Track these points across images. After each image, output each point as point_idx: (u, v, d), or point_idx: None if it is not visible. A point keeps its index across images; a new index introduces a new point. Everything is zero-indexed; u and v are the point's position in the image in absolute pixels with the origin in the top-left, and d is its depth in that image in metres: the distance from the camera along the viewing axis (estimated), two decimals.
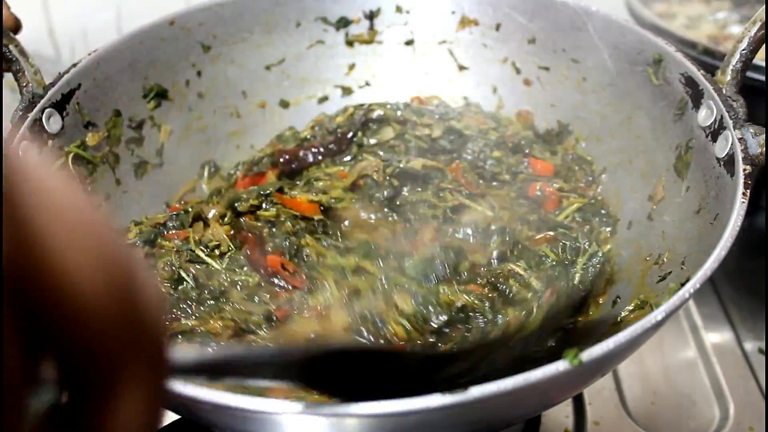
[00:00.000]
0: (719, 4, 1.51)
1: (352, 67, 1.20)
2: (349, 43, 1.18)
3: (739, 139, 0.74)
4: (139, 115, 1.02)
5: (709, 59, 1.19)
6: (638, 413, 1.02)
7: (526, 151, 1.07)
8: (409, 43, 1.19)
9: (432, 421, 0.56)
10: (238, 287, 0.86)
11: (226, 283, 0.86)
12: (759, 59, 0.89)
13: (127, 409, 0.30)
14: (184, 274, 0.86)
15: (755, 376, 1.08)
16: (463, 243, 0.91)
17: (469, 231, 0.93)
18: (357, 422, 0.55)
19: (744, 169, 0.71)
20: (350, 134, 1.09)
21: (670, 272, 0.78)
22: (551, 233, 0.94)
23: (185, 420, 0.82)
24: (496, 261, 0.89)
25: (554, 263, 0.89)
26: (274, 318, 0.83)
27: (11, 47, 0.86)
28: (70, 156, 0.90)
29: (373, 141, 1.08)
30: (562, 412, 1.00)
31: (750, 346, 1.15)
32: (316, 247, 0.90)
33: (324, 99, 1.20)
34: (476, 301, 0.83)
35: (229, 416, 0.57)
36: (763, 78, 1.10)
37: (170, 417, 0.94)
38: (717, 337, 1.15)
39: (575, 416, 1.00)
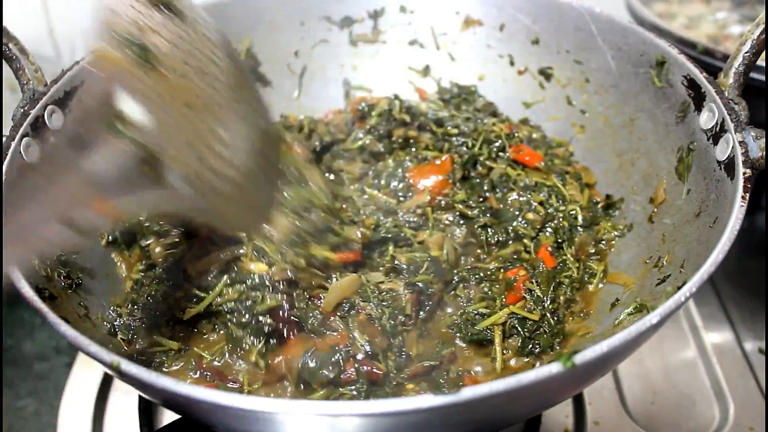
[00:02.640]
0: (719, 4, 1.51)
1: (355, 66, 1.20)
2: (353, 43, 1.19)
3: (740, 143, 0.74)
4: None
5: (708, 59, 1.19)
6: (638, 413, 1.02)
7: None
8: (413, 43, 1.19)
9: (430, 420, 0.57)
10: None
11: None
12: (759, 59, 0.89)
13: None
14: None
15: (755, 376, 1.09)
16: None
17: None
18: (354, 422, 0.55)
19: (744, 173, 0.71)
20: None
21: (669, 275, 0.78)
22: None
23: (185, 420, 0.83)
24: None
25: None
26: None
27: (11, 45, 0.86)
28: None
29: None
30: (562, 412, 1.01)
31: (750, 346, 1.15)
32: None
33: (327, 97, 1.20)
34: None
35: (229, 416, 0.58)
36: (762, 78, 1.10)
37: (170, 417, 0.95)
38: (717, 337, 1.16)
39: (575, 416, 1.01)
